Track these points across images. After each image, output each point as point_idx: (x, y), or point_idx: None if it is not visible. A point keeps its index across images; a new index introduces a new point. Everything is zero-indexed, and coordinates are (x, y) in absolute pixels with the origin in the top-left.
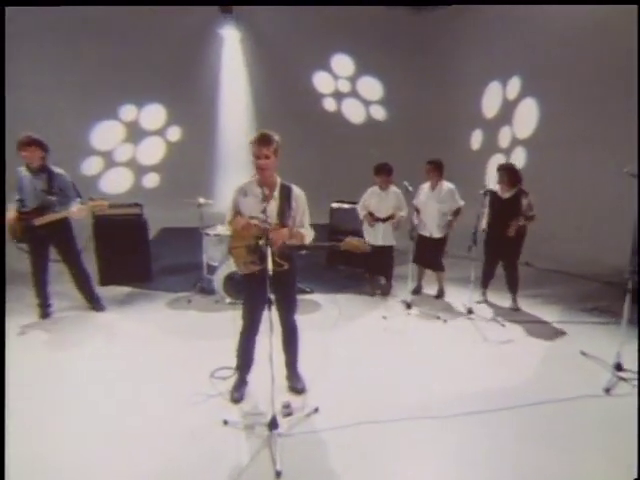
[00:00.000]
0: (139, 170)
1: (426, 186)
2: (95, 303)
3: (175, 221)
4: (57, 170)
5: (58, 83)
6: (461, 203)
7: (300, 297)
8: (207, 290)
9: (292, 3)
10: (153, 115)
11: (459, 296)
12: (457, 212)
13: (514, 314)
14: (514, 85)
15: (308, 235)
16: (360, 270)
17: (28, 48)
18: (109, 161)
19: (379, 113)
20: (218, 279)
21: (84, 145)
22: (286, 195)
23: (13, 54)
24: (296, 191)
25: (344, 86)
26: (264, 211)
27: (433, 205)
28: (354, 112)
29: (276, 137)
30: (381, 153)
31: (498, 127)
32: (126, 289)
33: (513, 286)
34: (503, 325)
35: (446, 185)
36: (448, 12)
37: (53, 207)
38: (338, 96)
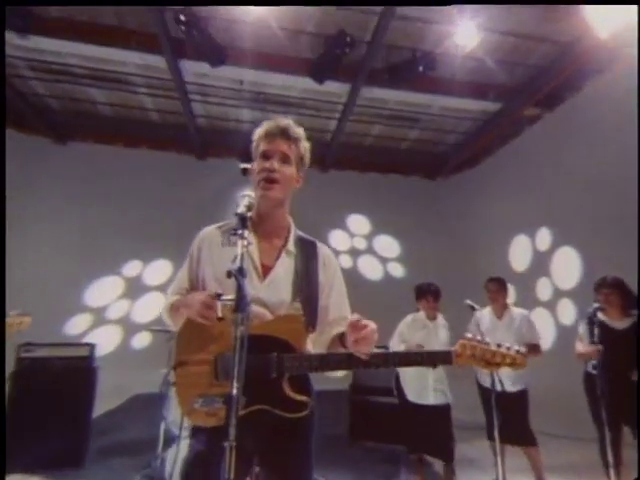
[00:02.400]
0: (130, 328)
1: (488, 313)
2: None
3: (154, 386)
4: None
5: (63, 238)
6: (539, 339)
7: None
8: None
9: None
10: (158, 270)
11: None
12: (534, 350)
13: None
14: (543, 236)
15: None
16: (400, 447)
17: (35, 200)
18: (99, 318)
19: (397, 270)
20: (171, 458)
21: (75, 303)
22: (308, 253)
23: (17, 202)
24: (325, 252)
25: (360, 244)
26: (263, 277)
27: (505, 338)
28: (371, 269)
29: (303, 133)
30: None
31: (534, 279)
32: None
33: None
34: None
35: (518, 311)
36: (462, 177)
37: None
38: (354, 253)
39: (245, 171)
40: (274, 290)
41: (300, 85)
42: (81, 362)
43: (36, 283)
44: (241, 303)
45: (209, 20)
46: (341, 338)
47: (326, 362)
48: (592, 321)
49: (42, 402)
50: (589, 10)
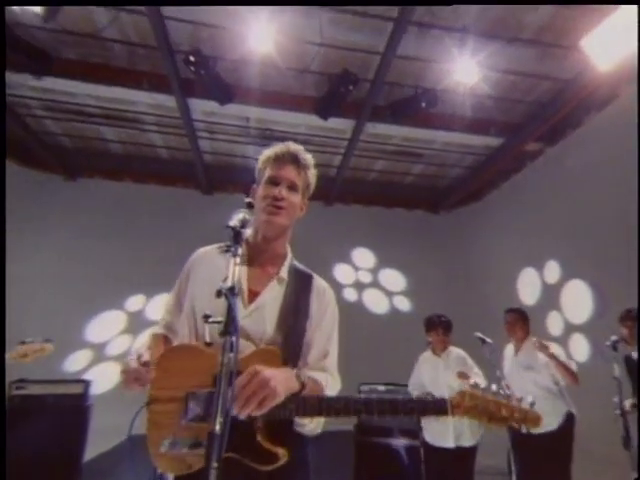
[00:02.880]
0: None
1: (509, 349)
2: None
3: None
4: None
5: (68, 271)
6: (573, 366)
7: None
8: None
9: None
10: (161, 304)
11: None
12: (571, 377)
13: None
14: (552, 269)
15: (330, 386)
16: None
17: (45, 234)
18: (99, 355)
19: (403, 304)
20: None
21: (76, 338)
22: (302, 285)
23: (28, 236)
24: (320, 284)
25: (365, 277)
26: (248, 303)
27: (524, 376)
28: (376, 303)
29: (312, 160)
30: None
31: (544, 313)
32: None
33: None
34: None
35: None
36: (466, 211)
37: None
38: (359, 287)
39: (251, 205)
40: (257, 318)
41: (305, 122)
42: (74, 400)
43: (39, 317)
44: (231, 325)
45: (217, 60)
46: None
47: (302, 406)
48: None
49: (31, 442)
50: (589, 45)
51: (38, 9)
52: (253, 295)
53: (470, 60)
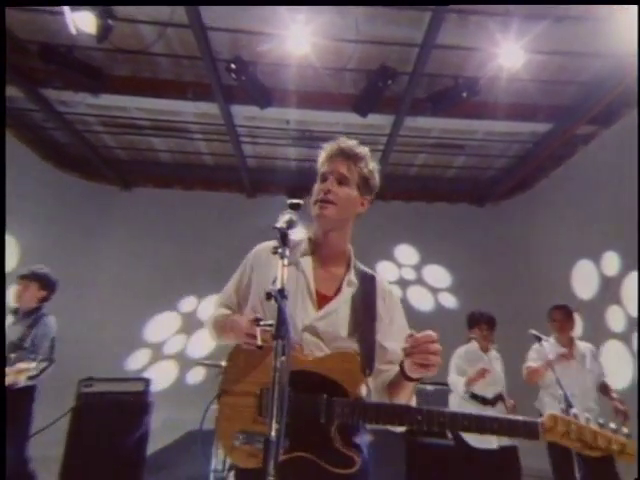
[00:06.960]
0: (185, 364)
1: (554, 346)
2: None
3: (207, 422)
4: (47, 319)
5: (127, 275)
6: (605, 378)
7: None
8: None
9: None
10: (212, 305)
11: None
12: (607, 390)
13: None
14: (610, 260)
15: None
16: None
17: (105, 241)
18: (158, 354)
19: (449, 301)
20: None
21: (136, 338)
22: (367, 286)
23: (91, 243)
24: (385, 285)
25: (409, 274)
26: (318, 306)
27: (576, 377)
28: (421, 300)
29: (368, 154)
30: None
31: (603, 308)
32: None
33: None
34: None
35: (584, 345)
36: (513, 202)
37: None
38: (403, 284)
39: (293, 206)
40: (330, 322)
41: (344, 120)
42: (137, 397)
43: (104, 318)
44: (281, 329)
45: (256, 65)
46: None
47: (382, 413)
48: None
49: (99, 437)
50: None
51: (92, 30)
52: (322, 298)
53: (514, 45)
